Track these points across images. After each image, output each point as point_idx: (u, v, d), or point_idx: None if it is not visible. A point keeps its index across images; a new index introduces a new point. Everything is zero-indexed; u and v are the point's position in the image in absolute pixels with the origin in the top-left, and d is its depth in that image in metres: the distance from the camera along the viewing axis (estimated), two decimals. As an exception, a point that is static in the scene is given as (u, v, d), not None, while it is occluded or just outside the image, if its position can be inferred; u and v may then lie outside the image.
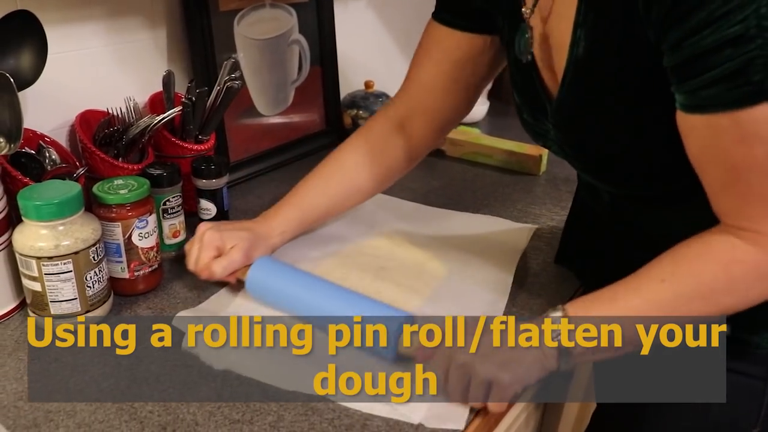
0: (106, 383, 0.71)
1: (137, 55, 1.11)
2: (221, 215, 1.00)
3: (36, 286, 0.77)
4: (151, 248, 0.87)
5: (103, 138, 0.96)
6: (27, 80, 0.82)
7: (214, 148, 1.09)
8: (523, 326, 0.69)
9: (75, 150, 1.01)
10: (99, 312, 0.81)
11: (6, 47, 0.80)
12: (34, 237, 0.75)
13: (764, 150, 0.59)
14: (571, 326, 0.67)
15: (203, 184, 0.97)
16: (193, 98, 1.00)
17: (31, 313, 0.80)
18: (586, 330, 0.67)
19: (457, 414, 0.69)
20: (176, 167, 0.93)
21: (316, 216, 0.97)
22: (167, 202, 0.93)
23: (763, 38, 0.54)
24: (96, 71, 1.05)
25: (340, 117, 1.48)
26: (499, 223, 1.11)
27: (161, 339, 0.78)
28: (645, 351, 0.68)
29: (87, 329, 0.80)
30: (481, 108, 1.68)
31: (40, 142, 0.93)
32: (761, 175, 0.61)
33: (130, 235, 0.84)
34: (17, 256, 0.77)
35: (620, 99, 0.69)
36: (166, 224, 0.94)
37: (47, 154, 0.92)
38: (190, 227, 1.00)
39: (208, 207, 0.98)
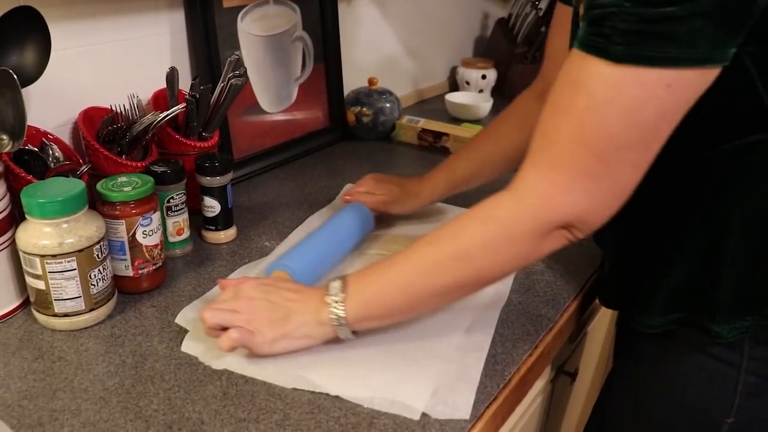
0: (111, 382, 0.71)
1: (141, 51, 1.10)
2: (225, 212, 0.99)
3: (40, 285, 0.77)
4: (155, 246, 0.86)
5: (106, 135, 0.96)
6: (30, 77, 0.81)
7: (217, 145, 1.09)
8: (311, 290, 0.75)
9: (78, 147, 1.00)
10: (103, 310, 0.81)
11: (9, 43, 0.80)
12: (37, 235, 0.74)
13: (585, 104, 0.60)
14: (343, 296, 0.71)
15: (207, 181, 0.96)
16: (197, 95, 0.99)
17: (34, 312, 0.80)
18: (359, 300, 0.72)
19: (463, 401, 0.69)
20: (180, 164, 0.93)
21: (462, 178, 1.03)
22: (171, 200, 0.92)
23: None
24: (99, 68, 1.05)
25: (344, 114, 1.47)
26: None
27: (165, 337, 0.78)
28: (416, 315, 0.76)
29: (91, 328, 0.80)
30: (485, 105, 1.68)
31: (43, 139, 0.92)
32: (570, 127, 0.61)
33: (134, 233, 0.84)
34: (21, 254, 0.76)
35: None
36: (170, 222, 0.93)
37: (50, 152, 0.91)
38: (194, 225, 1.00)
39: (212, 204, 0.98)
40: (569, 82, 0.62)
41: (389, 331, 0.78)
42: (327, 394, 0.69)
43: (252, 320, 0.72)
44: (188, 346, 0.76)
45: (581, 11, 0.70)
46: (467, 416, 0.67)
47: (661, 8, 0.54)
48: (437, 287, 0.70)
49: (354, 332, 0.74)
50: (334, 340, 0.75)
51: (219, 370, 0.73)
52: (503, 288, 0.89)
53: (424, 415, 0.67)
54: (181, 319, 0.81)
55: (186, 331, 0.79)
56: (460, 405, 0.68)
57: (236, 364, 0.73)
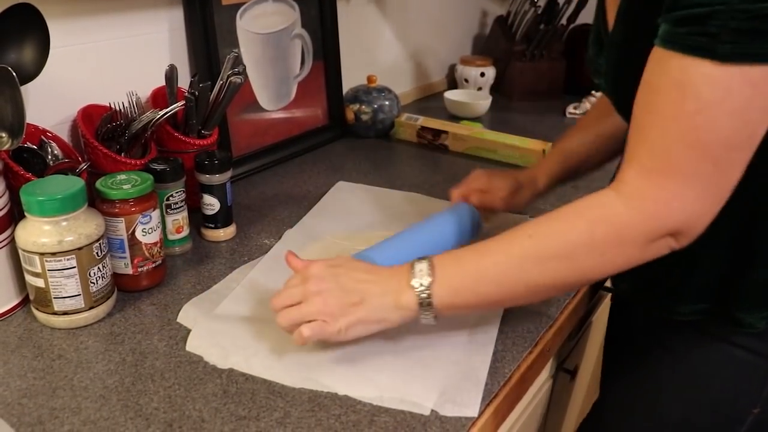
0: (111, 380, 0.71)
1: (139, 49, 1.10)
2: (225, 210, 0.99)
3: (39, 283, 0.76)
4: (155, 244, 0.86)
5: (105, 133, 0.96)
6: (29, 74, 0.81)
7: (216, 143, 1.09)
8: (388, 271, 0.72)
9: (77, 145, 1.00)
10: (103, 308, 0.81)
11: (8, 41, 0.79)
12: (37, 233, 0.74)
13: (694, 107, 0.58)
14: (431, 280, 0.69)
15: (206, 179, 0.96)
16: (196, 93, 0.99)
17: (34, 310, 0.80)
18: (449, 286, 0.69)
19: (470, 399, 0.69)
20: (180, 162, 0.93)
21: (577, 162, 1.00)
22: (171, 198, 0.92)
23: None
24: (98, 65, 1.05)
25: (343, 112, 1.47)
26: (499, 217, 1.11)
27: (165, 335, 0.78)
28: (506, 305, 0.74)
29: (90, 326, 0.80)
30: (484, 103, 1.67)
31: (42, 137, 0.92)
32: (679, 131, 0.60)
33: (134, 231, 0.83)
34: (20, 252, 0.76)
35: (649, 35, 0.67)
36: (169, 220, 0.93)
37: (49, 149, 0.91)
38: (194, 223, 1.00)
39: (212, 202, 0.98)
40: (670, 85, 0.59)
41: (394, 332, 0.76)
42: (328, 392, 0.69)
43: (324, 310, 0.69)
44: (192, 346, 0.76)
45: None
46: (476, 413, 0.67)
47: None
48: (535, 283, 0.68)
49: (435, 317, 0.71)
50: (336, 343, 0.74)
51: (220, 368, 0.73)
52: None
53: (424, 413, 0.67)
54: (182, 318, 0.81)
55: (186, 329, 0.79)
56: (468, 403, 0.68)
57: (243, 363, 0.73)
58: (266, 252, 0.97)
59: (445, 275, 0.69)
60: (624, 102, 0.76)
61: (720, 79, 0.56)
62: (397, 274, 0.71)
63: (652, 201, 0.62)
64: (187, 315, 0.82)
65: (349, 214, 1.10)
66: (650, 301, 0.83)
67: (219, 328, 0.79)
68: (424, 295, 0.69)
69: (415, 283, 0.69)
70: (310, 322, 0.70)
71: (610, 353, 1.03)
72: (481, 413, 0.68)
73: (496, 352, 0.76)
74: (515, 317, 0.83)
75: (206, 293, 0.87)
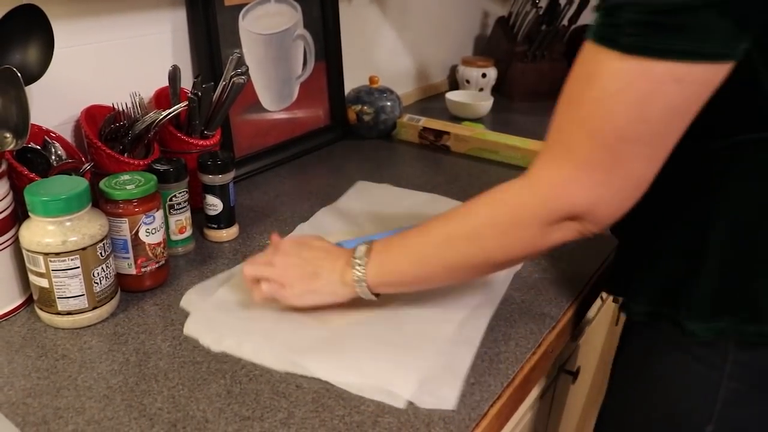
0: (115, 380, 0.71)
1: (142, 49, 1.10)
2: (227, 211, 0.99)
3: (43, 283, 0.77)
4: (158, 244, 0.86)
5: (108, 133, 0.96)
6: (33, 75, 0.81)
7: (219, 143, 1.09)
8: (340, 252, 0.80)
9: (80, 145, 1.00)
10: (106, 308, 0.81)
11: (13, 42, 0.79)
12: (41, 233, 0.74)
13: (595, 95, 0.60)
14: (366, 260, 0.76)
15: (209, 179, 0.96)
16: (199, 93, 0.99)
17: (37, 310, 0.80)
18: (378, 266, 0.76)
19: (449, 392, 0.70)
20: (183, 163, 0.93)
21: None
22: (174, 198, 0.92)
23: None
24: (101, 66, 1.05)
25: (345, 112, 1.47)
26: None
27: (169, 335, 0.78)
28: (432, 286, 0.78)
29: (94, 326, 0.80)
30: (486, 104, 1.68)
31: (46, 137, 0.92)
32: (580, 118, 0.62)
33: (137, 231, 0.84)
34: (24, 252, 0.76)
35: None
36: (172, 220, 0.93)
37: (53, 150, 0.91)
38: (196, 223, 1.00)
39: (215, 203, 0.98)
40: (582, 74, 0.62)
41: (383, 319, 0.81)
42: (327, 390, 0.70)
43: (283, 275, 0.78)
44: (190, 329, 0.79)
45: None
46: (452, 407, 0.68)
47: None
48: (448, 263, 0.73)
49: (376, 294, 0.78)
50: (339, 321, 0.80)
51: (224, 368, 0.73)
52: (499, 285, 0.89)
53: (428, 413, 0.67)
54: (185, 303, 0.84)
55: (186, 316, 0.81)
56: (446, 396, 0.69)
57: (235, 347, 0.76)
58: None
59: (377, 256, 0.76)
60: None
61: (621, 70, 0.58)
62: (346, 254, 0.79)
63: (547, 184, 0.65)
64: (189, 300, 0.85)
65: (363, 213, 1.10)
66: (617, 298, 0.83)
67: (216, 314, 0.82)
68: (360, 273, 0.76)
69: (353, 262, 0.77)
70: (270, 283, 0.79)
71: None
72: (484, 414, 0.68)
73: (499, 353, 0.77)
74: (518, 318, 0.83)
75: (209, 281, 0.89)
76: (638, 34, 0.56)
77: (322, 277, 0.78)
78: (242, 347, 0.76)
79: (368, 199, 1.16)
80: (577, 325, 0.93)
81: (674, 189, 0.72)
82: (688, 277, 0.71)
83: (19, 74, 0.72)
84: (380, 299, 0.80)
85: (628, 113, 0.59)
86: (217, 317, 0.81)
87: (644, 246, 0.77)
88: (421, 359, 0.74)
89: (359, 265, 0.76)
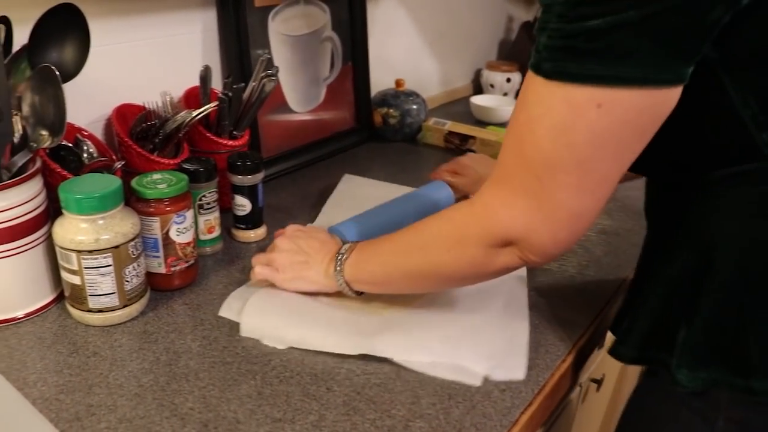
0: (146, 378, 0.71)
1: (173, 49, 1.11)
2: (256, 211, 0.99)
3: (75, 280, 0.77)
4: (188, 243, 0.86)
5: (139, 132, 0.96)
6: (69, 73, 0.82)
7: (247, 144, 1.09)
8: (331, 244, 0.85)
9: (110, 143, 1.01)
10: (136, 307, 0.81)
11: (50, 40, 0.80)
12: (74, 230, 0.75)
13: (522, 119, 0.60)
14: (346, 257, 0.80)
15: (239, 180, 0.97)
16: (230, 94, 1.00)
17: (68, 307, 0.80)
18: (354, 264, 0.79)
19: (517, 362, 0.74)
20: (213, 163, 0.93)
21: None
22: (203, 198, 0.92)
23: (557, 11, 0.54)
24: (132, 65, 1.05)
25: (371, 115, 1.47)
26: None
27: (199, 335, 0.78)
28: (401, 291, 0.81)
29: (124, 324, 0.80)
30: (510, 108, 1.67)
31: (78, 135, 0.92)
32: (511, 142, 0.62)
33: (168, 230, 0.84)
34: (57, 249, 0.77)
35: None
36: (201, 220, 0.94)
37: (84, 148, 0.92)
38: (224, 223, 1.00)
39: (244, 203, 0.98)
40: (519, 98, 0.62)
41: (428, 310, 0.83)
42: (358, 393, 0.69)
43: (279, 259, 0.85)
44: (247, 331, 0.79)
45: None
46: (522, 377, 0.73)
47: (580, 22, 0.52)
48: (404, 270, 0.76)
49: (358, 293, 0.82)
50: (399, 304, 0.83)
51: (254, 368, 0.73)
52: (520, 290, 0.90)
53: (460, 418, 0.67)
54: (225, 311, 0.83)
55: (220, 330, 0.80)
56: (514, 367, 0.74)
57: (300, 340, 0.77)
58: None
59: (356, 254, 0.80)
60: None
61: (543, 95, 0.57)
62: (334, 248, 0.83)
63: (482, 205, 0.67)
64: (230, 308, 0.84)
65: (359, 207, 1.09)
66: (613, 343, 0.79)
67: (268, 312, 0.82)
68: (338, 268, 0.80)
69: (337, 257, 0.81)
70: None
71: None
72: (516, 421, 0.68)
73: (530, 359, 0.76)
74: (547, 325, 0.83)
75: (244, 287, 0.88)
76: (556, 59, 0.55)
77: (311, 266, 0.83)
78: (306, 339, 0.77)
79: (362, 192, 1.20)
80: (604, 333, 0.92)
81: (667, 226, 0.70)
82: (677, 321, 0.67)
83: (57, 72, 0.72)
84: (400, 298, 0.84)
85: (551, 139, 0.57)
86: (271, 314, 0.81)
87: (638, 284, 0.75)
88: (483, 333, 0.78)
89: (339, 260, 0.80)
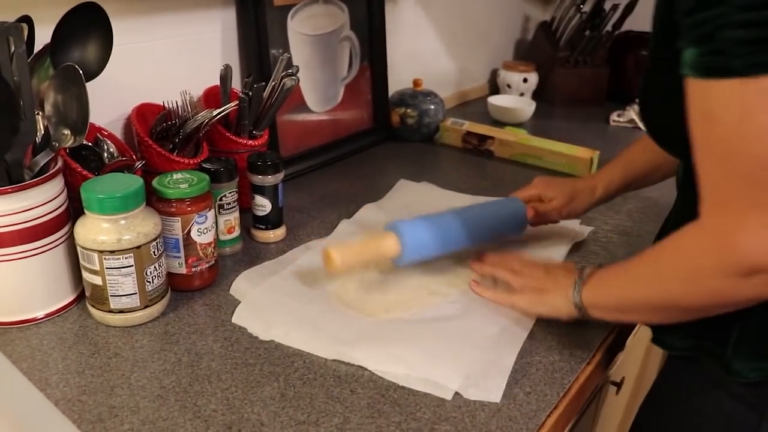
0: (168, 380, 0.71)
1: (192, 48, 1.10)
2: (276, 212, 0.99)
3: (97, 280, 0.77)
4: (209, 244, 0.86)
5: (159, 132, 0.96)
6: (92, 72, 0.81)
7: (266, 143, 1.08)
8: (563, 270, 0.83)
9: (130, 143, 1.00)
10: (157, 307, 0.81)
11: (73, 39, 0.80)
12: (96, 230, 0.74)
13: (721, 133, 0.54)
14: (582, 282, 0.76)
15: (259, 180, 0.96)
16: (250, 93, 0.99)
17: (89, 307, 0.80)
18: (591, 290, 0.76)
19: (494, 384, 0.71)
20: (233, 163, 0.93)
21: (636, 177, 0.99)
22: (224, 198, 0.92)
23: (738, 3, 0.51)
24: (152, 64, 1.05)
25: (389, 115, 1.47)
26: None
27: (220, 336, 0.78)
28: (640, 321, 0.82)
29: (145, 324, 0.80)
30: (528, 109, 1.66)
31: (98, 134, 0.92)
32: (715, 161, 0.56)
33: (189, 231, 0.83)
34: (78, 249, 0.76)
35: (667, 62, 0.63)
36: (221, 220, 0.93)
37: (105, 147, 0.91)
38: (243, 223, 1.00)
39: (264, 203, 0.97)
40: (699, 115, 0.57)
41: (429, 318, 0.83)
42: (383, 396, 0.69)
43: (523, 283, 0.84)
44: (239, 317, 0.81)
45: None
46: (498, 399, 0.69)
47: None
48: (640, 300, 0.70)
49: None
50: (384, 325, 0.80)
51: (277, 370, 0.72)
52: None
53: (485, 422, 0.66)
54: (234, 291, 0.87)
55: (243, 331, 0.80)
56: (491, 388, 0.70)
57: (283, 336, 0.78)
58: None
59: (593, 280, 0.76)
60: (653, 128, 0.74)
61: (737, 97, 0.53)
62: (571, 274, 0.80)
63: (713, 236, 0.59)
64: (237, 288, 0.87)
65: (406, 210, 1.11)
66: (653, 332, 0.79)
67: (265, 304, 0.83)
68: (576, 295, 0.76)
69: (575, 281, 0.77)
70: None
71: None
72: (542, 424, 0.67)
73: (554, 362, 0.75)
74: (571, 328, 0.81)
75: (258, 267, 0.92)
76: (745, 54, 0.51)
77: (551, 292, 0.80)
78: (290, 336, 0.78)
79: (410, 196, 1.18)
80: (625, 336, 0.91)
81: None
82: (737, 313, 0.65)
83: (80, 71, 0.72)
84: (417, 302, 0.85)
85: (761, 139, 0.53)
86: (266, 308, 0.83)
87: None
88: (467, 355, 0.75)
89: (577, 284, 0.77)
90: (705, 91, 0.55)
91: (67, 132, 0.76)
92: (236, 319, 0.81)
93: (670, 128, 0.68)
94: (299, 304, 0.84)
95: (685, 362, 0.77)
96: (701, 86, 0.55)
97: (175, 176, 0.85)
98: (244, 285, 0.87)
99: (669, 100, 0.64)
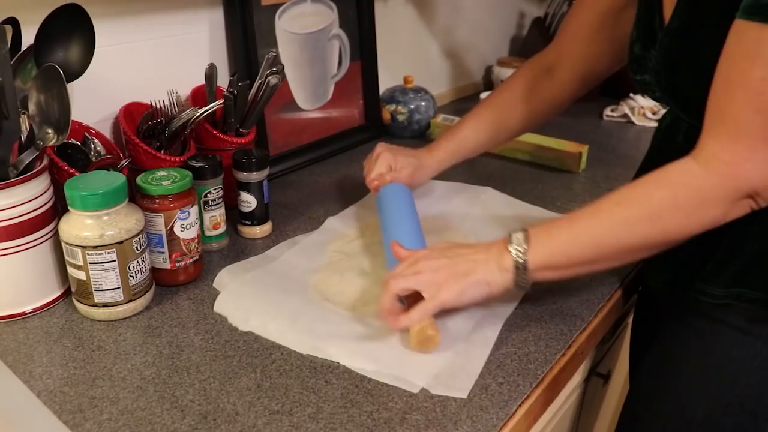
0: (148, 371, 0.72)
1: (180, 48, 1.12)
2: (261, 208, 1.00)
3: (81, 275, 0.78)
4: (193, 239, 0.88)
5: (146, 130, 0.98)
6: (75, 72, 0.83)
7: (254, 141, 1.10)
8: (487, 244, 0.78)
9: (119, 142, 1.02)
10: (141, 302, 0.82)
11: (56, 40, 0.81)
12: (79, 226, 0.76)
13: (761, 74, 0.61)
14: (526, 246, 0.74)
15: (244, 176, 0.98)
16: (235, 91, 1.01)
17: (75, 302, 0.82)
18: (543, 250, 0.74)
19: (462, 384, 0.71)
20: (218, 160, 0.94)
21: (468, 149, 1.09)
22: (208, 194, 0.94)
23: None
24: (140, 64, 1.07)
25: (379, 112, 1.48)
26: (540, 212, 1.13)
27: (201, 329, 0.80)
28: (595, 269, 0.77)
29: (129, 318, 0.81)
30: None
31: (86, 133, 0.94)
32: (746, 97, 0.63)
33: (172, 226, 0.85)
34: (63, 245, 0.78)
35: (713, 19, 0.69)
36: (207, 216, 0.95)
37: (92, 146, 0.93)
38: (230, 220, 1.02)
39: (249, 200, 0.99)
40: (743, 55, 0.63)
41: None
42: (356, 386, 0.70)
43: (436, 279, 0.75)
44: (219, 307, 0.84)
45: None
46: (465, 395, 0.69)
47: None
48: (624, 245, 0.72)
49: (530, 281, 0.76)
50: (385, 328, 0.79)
51: (254, 361, 0.74)
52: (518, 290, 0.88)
53: (456, 411, 0.67)
54: (217, 283, 0.89)
55: (224, 324, 0.81)
56: (459, 386, 0.71)
57: (261, 327, 0.80)
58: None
59: (539, 240, 0.74)
60: (677, 90, 0.77)
61: None
62: (496, 243, 0.77)
63: (725, 164, 0.66)
64: (220, 280, 0.89)
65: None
66: (684, 284, 0.82)
67: (246, 294, 0.86)
68: (520, 258, 0.74)
69: (511, 248, 0.75)
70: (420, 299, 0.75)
71: (636, 353, 1.03)
72: (512, 414, 0.68)
73: (529, 353, 0.76)
74: (548, 318, 0.83)
75: (242, 262, 0.94)
76: None
77: (476, 270, 0.75)
78: (267, 328, 0.79)
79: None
80: (610, 327, 0.92)
81: None
82: (714, 251, 0.74)
83: (61, 71, 0.74)
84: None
85: None
86: (247, 298, 0.85)
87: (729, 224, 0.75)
88: (438, 355, 0.75)
89: (519, 249, 0.74)
90: (757, 33, 0.61)
91: (50, 131, 0.78)
92: (217, 307, 0.84)
93: (689, 84, 0.74)
94: (280, 296, 0.85)
95: (707, 325, 0.81)
96: (751, 28, 0.61)
97: (158, 173, 0.86)
98: (227, 278, 0.89)
99: (698, 59, 0.71)
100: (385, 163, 1.05)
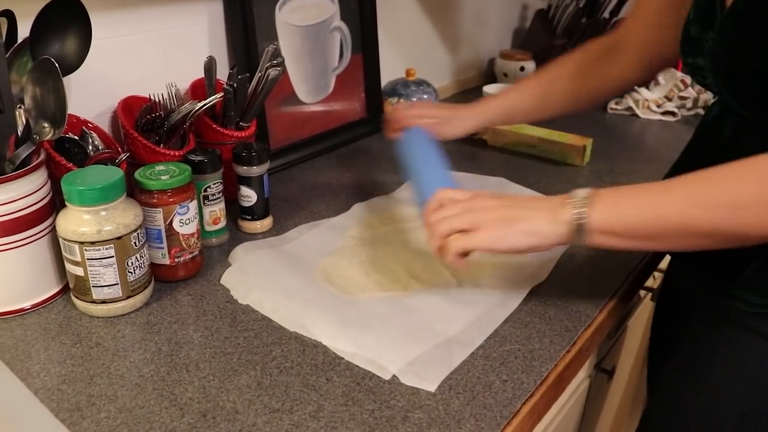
0: (147, 369, 0.71)
1: (179, 41, 1.11)
2: (262, 202, 0.99)
3: (78, 271, 0.77)
4: (192, 235, 0.87)
5: (145, 124, 0.96)
6: (71, 66, 0.82)
7: (254, 135, 1.09)
8: (541, 198, 0.76)
9: (117, 136, 1.01)
10: (140, 298, 0.81)
11: (52, 33, 0.80)
12: (77, 222, 0.75)
13: None
14: (588, 202, 0.68)
15: (244, 170, 0.97)
16: (235, 84, 0.99)
17: (73, 298, 0.81)
18: (606, 211, 0.68)
19: (433, 376, 0.71)
20: (217, 154, 0.93)
21: (516, 110, 1.07)
22: (208, 189, 0.93)
23: None
24: (138, 57, 1.06)
25: (381, 105, 1.47)
26: None
27: (201, 326, 0.78)
28: (652, 247, 0.70)
29: (127, 315, 0.80)
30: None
31: (84, 127, 0.93)
32: None
33: (171, 222, 0.84)
34: (60, 240, 0.77)
35: None
36: (206, 211, 0.94)
37: (90, 140, 0.92)
38: (230, 214, 1.00)
39: (249, 194, 0.98)
40: None
41: (400, 303, 0.83)
42: (358, 384, 0.69)
43: (480, 218, 0.72)
44: (225, 279, 0.88)
45: None
46: (433, 389, 0.69)
47: None
48: (691, 227, 0.65)
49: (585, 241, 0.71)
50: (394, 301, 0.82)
51: (254, 359, 0.73)
52: (522, 290, 0.87)
53: (459, 409, 0.66)
54: (231, 257, 0.93)
55: (223, 321, 0.80)
56: (429, 378, 0.70)
57: (258, 302, 0.83)
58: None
59: (605, 201, 0.69)
60: (735, 77, 0.72)
61: None
62: (557, 196, 0.72)
63: None
64: (234, 254, 0.93)
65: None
66: (719, 288, 0.78)
67: (252, 271, 0.89)
68: (582, 213, 0.68)
69: (572, 203, 0.70)
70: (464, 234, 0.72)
71: (655, 356, 1.01)
72: (516, 412, 0.67)
73: (533, 350, 0.75)
74: (553, 315, 0.82)
75: (260, 241, 0.98)
76: None
77: (526, 218, 0.71)
78: (263, 303, 0.82)
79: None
80: (615, 323, 0.91)
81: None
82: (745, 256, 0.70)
83: (56, 64, 0.72)
84: (396, 284, 0.86)
85: None
86: (253, 274, 0.88)
87: None
88: (419, 347, 0.75)
89: (581, 205, 0.69)
90: None
91: (46, 125, 0.77)
92: (224, 280, 0.87)
93: (754, 73, 0.69)
94: (284, 274, 0.88)
95: (739, 333, 0.78)
96: None
97: (157, 168, 0.85)
98: (240, 253, 0.93)
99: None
100: (417, 109, 1.07)
